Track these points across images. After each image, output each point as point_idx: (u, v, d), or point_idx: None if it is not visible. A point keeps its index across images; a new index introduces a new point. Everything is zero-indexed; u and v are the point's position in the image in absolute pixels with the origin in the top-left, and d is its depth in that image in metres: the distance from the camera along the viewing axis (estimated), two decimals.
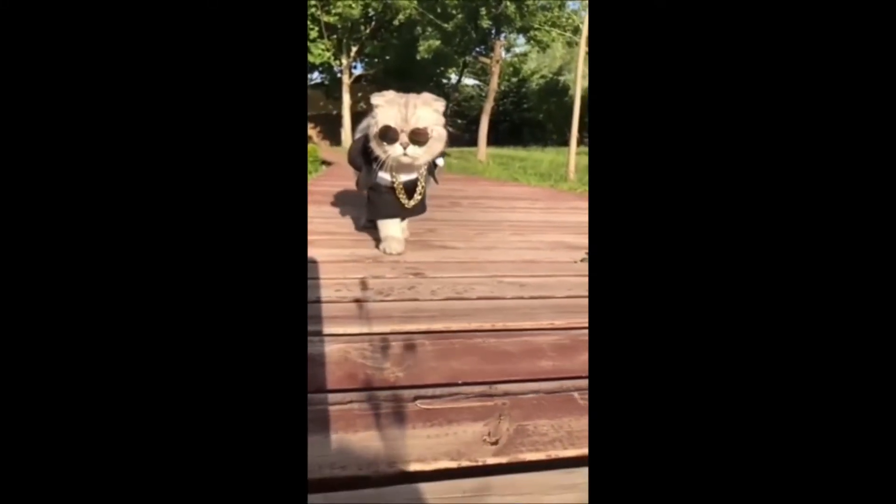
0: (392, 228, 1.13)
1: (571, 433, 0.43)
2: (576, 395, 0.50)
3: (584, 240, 1.36)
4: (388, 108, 1.03)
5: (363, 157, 1.13)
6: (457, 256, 1.12)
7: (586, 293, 0.87)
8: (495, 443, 0.41)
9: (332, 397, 0.47)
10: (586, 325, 0.70)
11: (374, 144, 1.05)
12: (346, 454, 0.38)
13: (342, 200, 1.89)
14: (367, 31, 10.76)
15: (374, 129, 1.04)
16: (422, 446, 0.40)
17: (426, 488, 0.35)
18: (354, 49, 10.92)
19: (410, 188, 1.13)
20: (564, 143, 4.27)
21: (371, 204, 1.16)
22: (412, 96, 1.05)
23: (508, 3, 7.39)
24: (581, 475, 0.37)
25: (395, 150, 1.02)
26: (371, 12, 9.90)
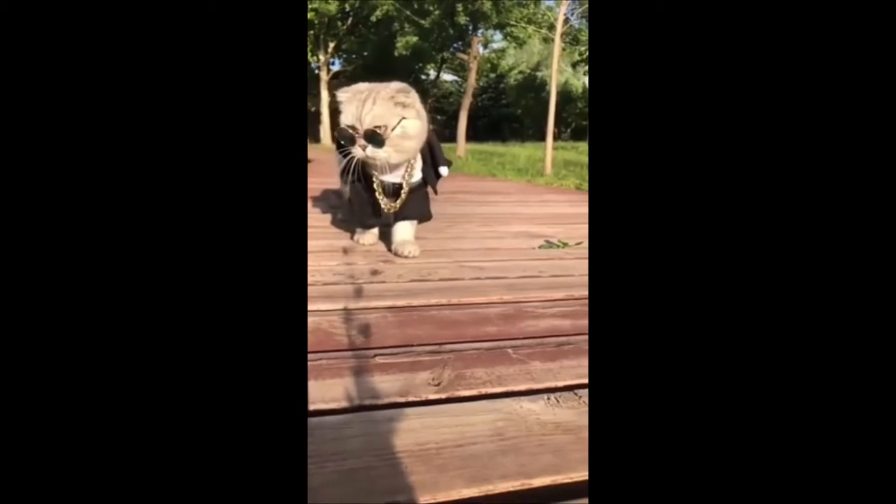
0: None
1: (501, 377, 0.53)
2: (510, 350, 0.60)
3: (546, 229, 1.47)
4: (349, 105, 0.97)
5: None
6: (425, 245, 1.21)
7: (538, 274, 0.97)
8: (438, 384, 0.50)
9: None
10: (532, 299, 0.80)
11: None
12: (314, 395, 0.47)
13: (320, 196, 1.95)
14: (344, 26, 10.70)
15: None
16: (376, 389, 0.49)
17: (377, 414, 0.44)
18: (332, 45, 10.84)
19: (394, 191, 1.07)
20: (542, 138, 4.39)
21: (350, 205, 1.13)
22: (375, 89, 0.96)
23: (484, 0, 7.46)
24: (503, 403, 0.47)
25: (356, 152, 0.96)
26: (348, 8, 9.85)
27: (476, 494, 0.35)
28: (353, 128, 0.96)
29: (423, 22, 8.29)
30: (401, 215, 1.10)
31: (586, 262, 1.07)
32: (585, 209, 1.99)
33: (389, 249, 1.12)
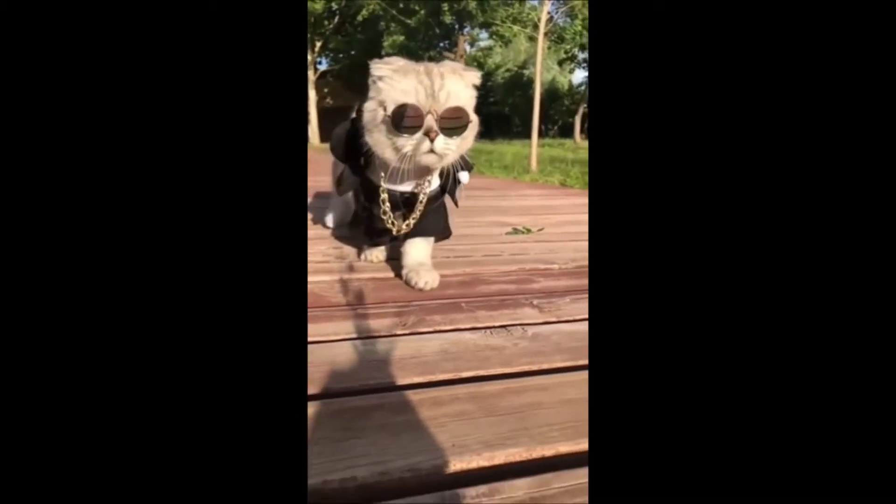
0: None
1: (453, 320, 0.69)
2: (463, 304, 0.76)
3: (516, 219, 1.63)
4: (401, 79, 0.67)
5: (348, 153, 0.82)
6: None
7: (499, 253, 1.14)
8: (405, 325, 0.67)
9: None
10: (489, 271, 0.97)
11: (374, 138, 0.69)
12: (309, 333, 0.63)
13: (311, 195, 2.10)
14: (331, 25, 10.76)
15: (380, 112, 0.67)
16: (358, 328, 0.65)
17: (356, 342, 0.60)
18: (318, 44, 10.90)
19: (403, 203, 0.79)
20: (530, 135, 4.54)
21: (356, 223, 0.89)
22: (431, 64, 0.70)
23: (469, 0, 7.59)
24: (451, 335, 0.63)
25: (419, 146, 0.66)
26: (334, 7, 9.92)
27: (422, 381, 0.51)
28: (417, 108, 0.65)
29: (409, 21, 8.41)
30: (414, 231, 0.84)
31: (543, 244, 1.24)
32: (557, 202, 2.17)
33: (399, 275, 0.87)
